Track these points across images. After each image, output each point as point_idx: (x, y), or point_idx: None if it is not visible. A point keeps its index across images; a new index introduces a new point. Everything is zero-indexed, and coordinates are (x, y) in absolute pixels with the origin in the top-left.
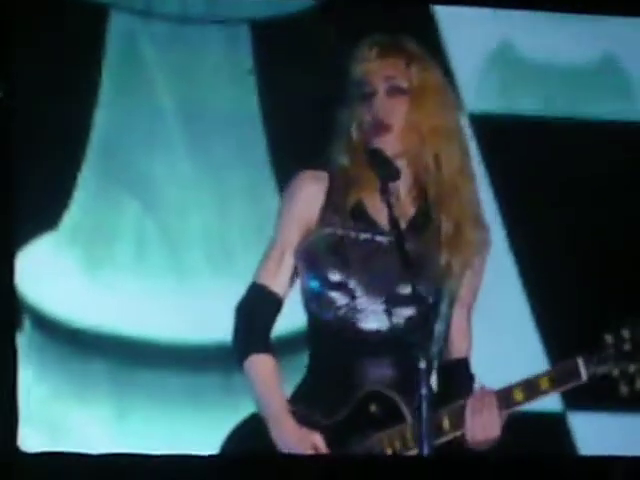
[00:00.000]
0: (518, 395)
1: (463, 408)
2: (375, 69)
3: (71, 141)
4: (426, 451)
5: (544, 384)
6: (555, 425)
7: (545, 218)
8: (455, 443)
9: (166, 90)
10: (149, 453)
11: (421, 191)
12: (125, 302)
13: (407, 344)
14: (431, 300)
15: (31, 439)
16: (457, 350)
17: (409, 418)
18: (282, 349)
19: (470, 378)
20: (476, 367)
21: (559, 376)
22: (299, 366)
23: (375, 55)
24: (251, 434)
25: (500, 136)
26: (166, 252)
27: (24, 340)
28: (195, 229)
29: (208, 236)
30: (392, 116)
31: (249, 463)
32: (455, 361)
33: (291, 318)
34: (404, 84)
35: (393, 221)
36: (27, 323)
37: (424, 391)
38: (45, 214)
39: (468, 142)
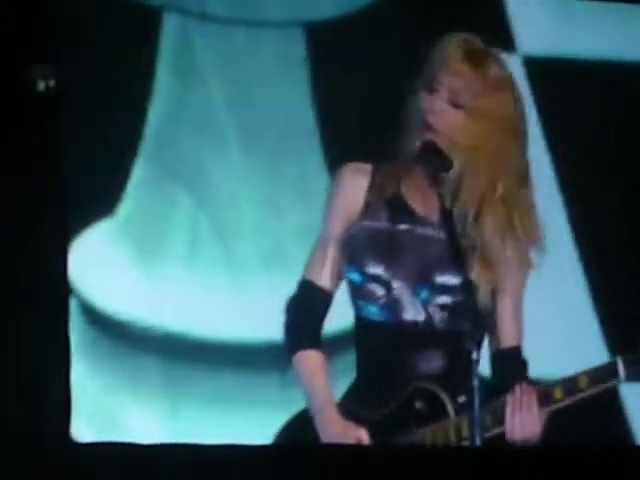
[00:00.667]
0: (558, 394)
1: (504, 404)
2: (452, 72)
3: (124, 134)
4: (478, 442)
5: (583, 383)
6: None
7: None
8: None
9: (218, 84)
10: (201, 443)
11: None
12: (177, 298)
13: (455, 334)
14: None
15: (85, 431)
16: (506, 339)
17: (452, 414)
18: (333, 347)
19: (523, 364)
20: (532, 355)
21: (598, 375)
22: (351, 364)
23: (460, 58)
24: (302, 428)
25: (556, 80)
26: (219, 247)
27: (76, 332)
28: (248, 223)
29: (260, 231)
30: (444, 125)
31: (299, 454)
32: (506, 350)
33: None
34: (466, 100)
35: (443, 213)
36: (79, 315)
37: (476, 382)
38: (98, 206)
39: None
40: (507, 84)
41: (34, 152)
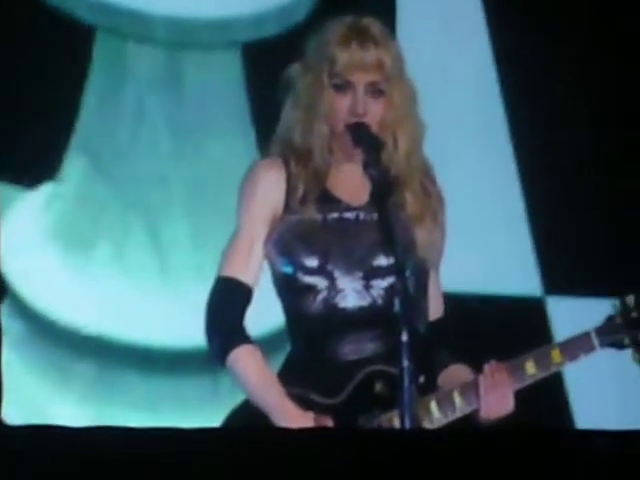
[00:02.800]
0: (530, 368)
1: (475, 385)
2: (358, 66)
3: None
4: (408, 424)
5: (556, 356)
6: (534, 310)
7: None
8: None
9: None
10: (135, 426)
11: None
12: (107, 299)
13: (390, 316)
14: (407, 271)
15: (14, 418)
16: (434, 312)
17: (417, 395)
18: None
19: (449, 335)
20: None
21: (572, 348)
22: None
23: (356, 47)
24: (246, 419)
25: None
26: (150, 251)
27: (7, 319)
28: (181, 229)
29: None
30: (369, 117)
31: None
32: (435, 322)
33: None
34: (383, 86)
35: (376, 194)
36: (11, 304)
37: (405, 363)
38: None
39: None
40: (399, 50)
41: None
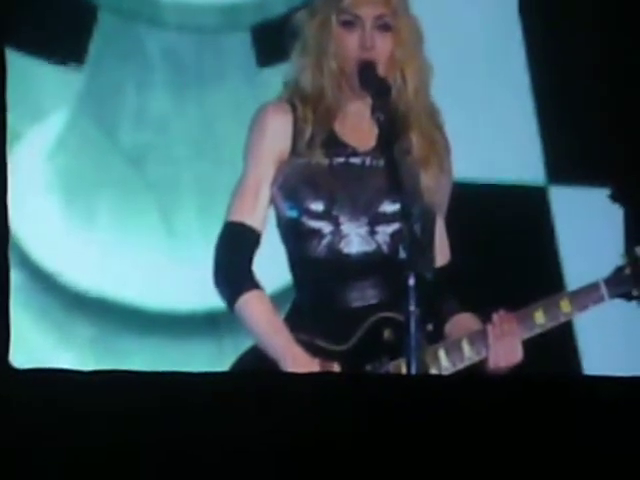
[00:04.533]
0: (539, 318)
1: (484, 334)
2: (365, 0)
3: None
4: (414, 370)
5: (565, 306)
6: (536, 198)
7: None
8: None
9: None
10: (144, 370)
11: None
12: (111, 261)
13: (395, 261)
14: (414, 216)
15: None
16: (441, 258)
17: (425, 343)
18: None
19: (455, 282)
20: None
21: (580, 298)
22: None
23: None
24: (253, 364)
25: None
26: (155, 215)
27: (15, 274)
28: (188, 184)
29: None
30: (377, 52)
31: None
32: (442, 268)
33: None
34: (390, 20)
35: (383, 139)
36: (17, 256)
37: (412, 308)
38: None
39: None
40: None
41: None
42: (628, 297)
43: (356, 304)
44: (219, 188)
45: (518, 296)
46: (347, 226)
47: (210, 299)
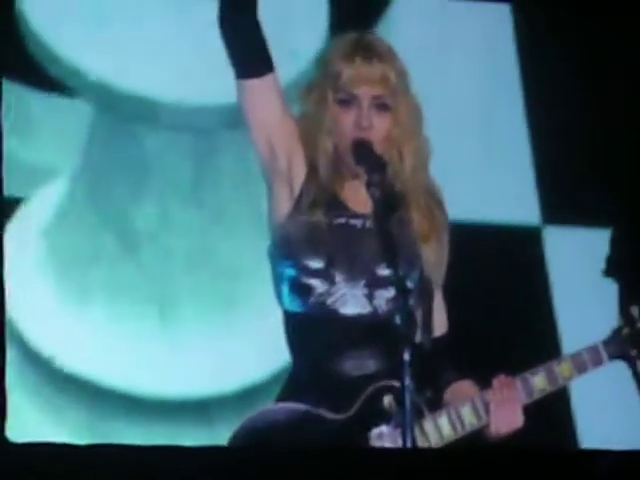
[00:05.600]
0: (539, 383)
1: (484, 400)
2: (362, 79)
3: None
4: (409, 444)
5: (565, 370)
6: (531, 239)
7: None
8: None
9: None
10: (138, 444)
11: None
12: (104, 345)
13: (391, 330)
14: (410, 285)
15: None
16: (439, 328)
17: (426, 411)
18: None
19: (452, 351)
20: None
21: (580, 361)
22: None
23: (361, 62)
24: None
25: None
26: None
27: (10, 351)
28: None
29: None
30: (374, 132)
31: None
32: (440, 338)
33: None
34: (389, 101)
35: (378, 213)
36: (10, 335)
37: (407, 381)
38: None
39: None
40: (405, 67)
41: None
42: (626, 358)
43: (355, 373)
44: (214, 280)
45: (516, 359)
46: (343, 286)
47: (201, 385)
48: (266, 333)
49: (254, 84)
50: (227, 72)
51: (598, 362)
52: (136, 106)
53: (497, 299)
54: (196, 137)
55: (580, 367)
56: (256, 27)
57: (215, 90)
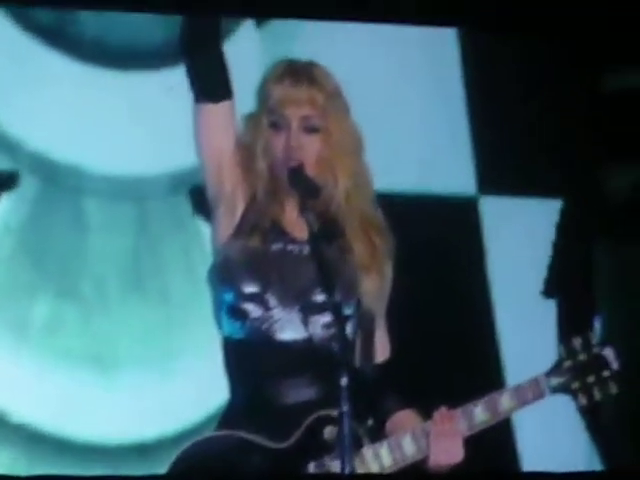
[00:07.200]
0: (481, 415)
1: (425, 431)
2: (290, 100)
3: None
4: (347, 470)
5: (507, 404)
6: (467, 209)
7: None
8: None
9: None
10: (78, 474)
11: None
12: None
13: (328, 356)
14: (348, 311)
15: None
16: (382, 353)
17: (367, 441)
18: None
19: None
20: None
21: (521, 394)
22: None
23: (289, 84)
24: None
25: None
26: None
27: None
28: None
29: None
30: (305, 153)
31: None
32: (382, 364)
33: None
34: (318, 122)
35: (311, 235)
36: None
37: (345, 408)
38: None
39: (370, 173)
40: (340, 91)
41: None
42: (568, 391)
43: (293, 400)
44: (150, 316)
45: (459, 381)
46: (279, 311)
47: (140, 429)
48: (205, 373)
49: (209, 109)
50: (164, 141)
51: (540, 395)
52: (72, 176)
53: (438, 313)
54: (134, 207)
55: (522, 400)
56: (217, 54)
57: (153, 160)
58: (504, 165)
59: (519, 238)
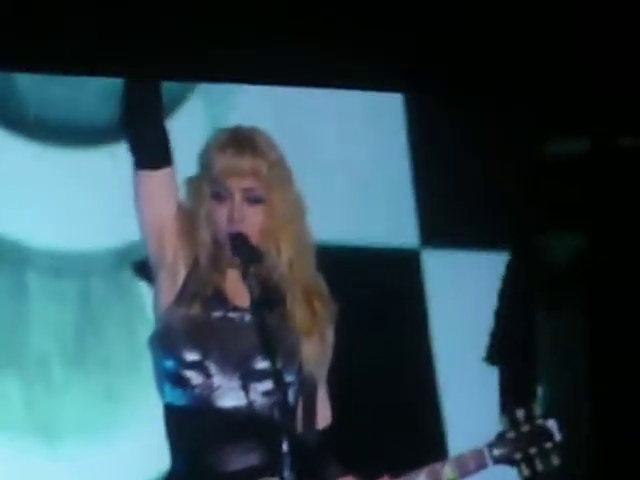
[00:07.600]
0: None
1: None
2: (233, 171)
3: None
4: None
5: (449, 474)
6: (409, 261)
7: None
8: None
9: None
10: None
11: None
12: None
13: (268, 423)
14: (288, 378)
15: None
16: (323, 420)
17: None
18: None
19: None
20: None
21: (464, 464)
22: None
23: (232, 154)
24: None
25: None
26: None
27: None
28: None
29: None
30: (248, 224)
31: None
32: (323, 431)
33: None
34: (261, 194)
35: (253, 302)
36: None
37: (286, 475)
38: None
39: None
40: (282, 160)
41: None
42: (511, 462)
43: (233, 467)
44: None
45: (403, 448)
46: (219, 379)
47: None
48: (147, 440)
49: (149, 176)
50: (109, 216)
51: (482, 466)
52: (14, 251)
53: (380, 378)
54: (77, 282)
55: (464, 470)
56: (157, 121)
57: (97, 235)
58: (446, 218)
59: (462, 290)
